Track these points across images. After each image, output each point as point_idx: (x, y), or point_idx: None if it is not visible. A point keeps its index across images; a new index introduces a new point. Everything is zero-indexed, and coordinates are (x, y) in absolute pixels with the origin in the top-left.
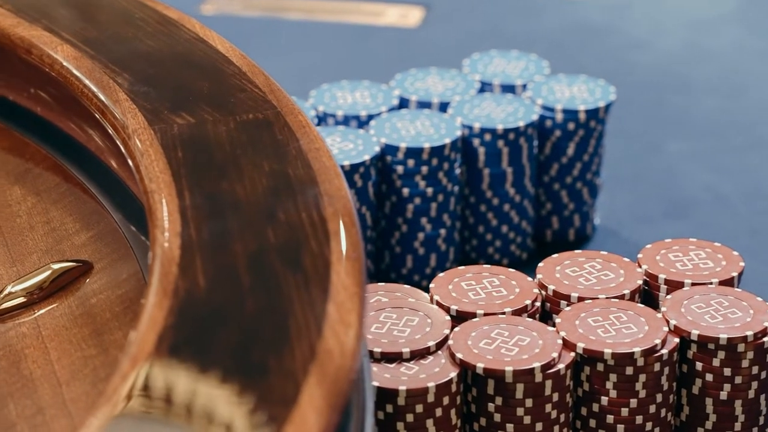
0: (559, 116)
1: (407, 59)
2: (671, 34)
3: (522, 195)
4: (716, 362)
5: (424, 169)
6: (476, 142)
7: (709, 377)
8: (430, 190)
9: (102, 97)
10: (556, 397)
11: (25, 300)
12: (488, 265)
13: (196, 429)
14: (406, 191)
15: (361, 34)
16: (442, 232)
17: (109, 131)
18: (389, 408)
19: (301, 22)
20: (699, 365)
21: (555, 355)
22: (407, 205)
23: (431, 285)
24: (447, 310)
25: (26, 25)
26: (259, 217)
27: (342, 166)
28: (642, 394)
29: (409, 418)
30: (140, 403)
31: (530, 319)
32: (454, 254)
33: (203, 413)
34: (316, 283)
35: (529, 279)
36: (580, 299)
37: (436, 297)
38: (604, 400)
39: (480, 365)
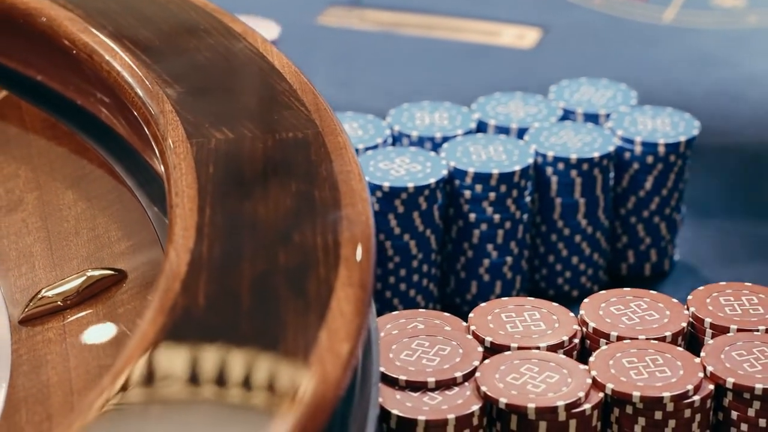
0: (638, 149)
1: (514, 81)
2: None
3: (594, 227)
4: (751, 412)
5: (492, 195)
6: (549, 170)
7: (744, 427)
8: (497, 217)
9: (150, 107)
10: None
11: (57, 305)
12: (532, 298)
13: None
14: (472, 216)
15: (473, 54)
16: (509, 259)
17: (152, 141)
18: None
19: (416, 38)
20: (734, 414)
21: (581, 394)
22: (473, 230)
23: (470, 315)
24: (481, 341)
25: (92, 31)
26: (273, 239)
27: (406, 188)
28: None
29: None
30: (114, 416)
31: (563, 356)
32: (521, 283)
33: None
34: (314, 309)
35: (572, 315)
36: (620, 338)
37: (472, 327)
38: None
39: (503, 400)
